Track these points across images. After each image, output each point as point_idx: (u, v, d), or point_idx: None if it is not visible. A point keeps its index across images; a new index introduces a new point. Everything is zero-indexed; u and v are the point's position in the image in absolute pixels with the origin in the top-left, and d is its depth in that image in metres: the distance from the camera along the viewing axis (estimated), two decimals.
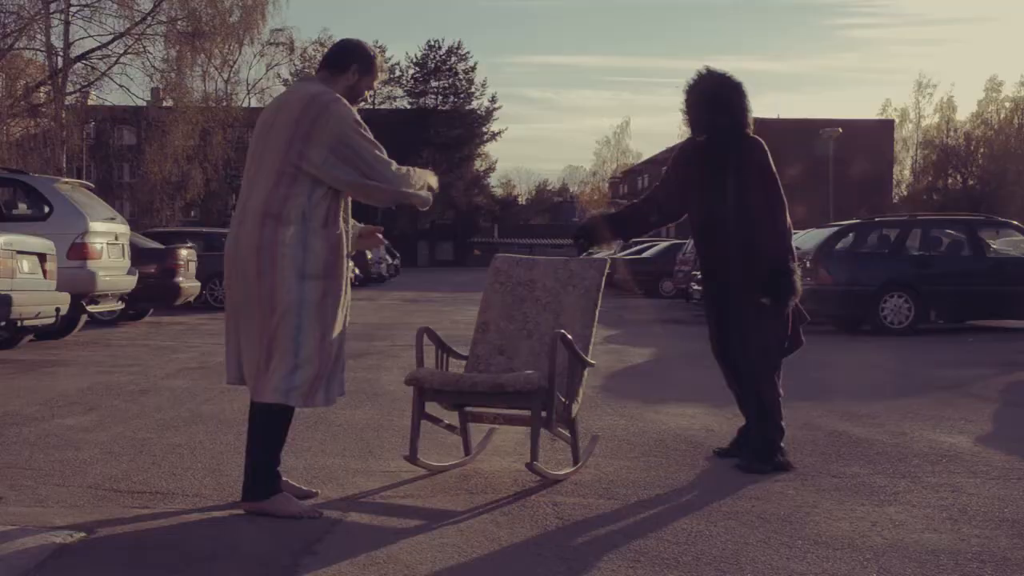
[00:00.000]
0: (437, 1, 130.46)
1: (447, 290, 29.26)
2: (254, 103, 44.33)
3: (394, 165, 4.07)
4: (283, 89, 4.31)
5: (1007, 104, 60.91)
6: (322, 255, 3.92)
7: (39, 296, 9.34)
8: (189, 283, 14.90)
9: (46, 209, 11.43)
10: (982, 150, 59.16)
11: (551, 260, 5.10)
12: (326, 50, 4.38)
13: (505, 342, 4.88)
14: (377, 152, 4.02)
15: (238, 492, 3.97)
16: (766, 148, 4.86)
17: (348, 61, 4.17)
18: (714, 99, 4.89)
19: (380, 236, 4.54)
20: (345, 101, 4.03)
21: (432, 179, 4.28)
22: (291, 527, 3.72)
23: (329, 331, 3.95)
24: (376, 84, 4.33)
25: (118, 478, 4.52)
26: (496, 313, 4.96)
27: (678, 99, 5.01)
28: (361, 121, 4.03)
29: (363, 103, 4.24)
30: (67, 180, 12.99)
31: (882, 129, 67.24)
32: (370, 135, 4.04)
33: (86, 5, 28.20)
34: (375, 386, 7.70)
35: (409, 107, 74.18)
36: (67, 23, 27.77)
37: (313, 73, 4.35)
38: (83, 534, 3.58)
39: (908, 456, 5.14)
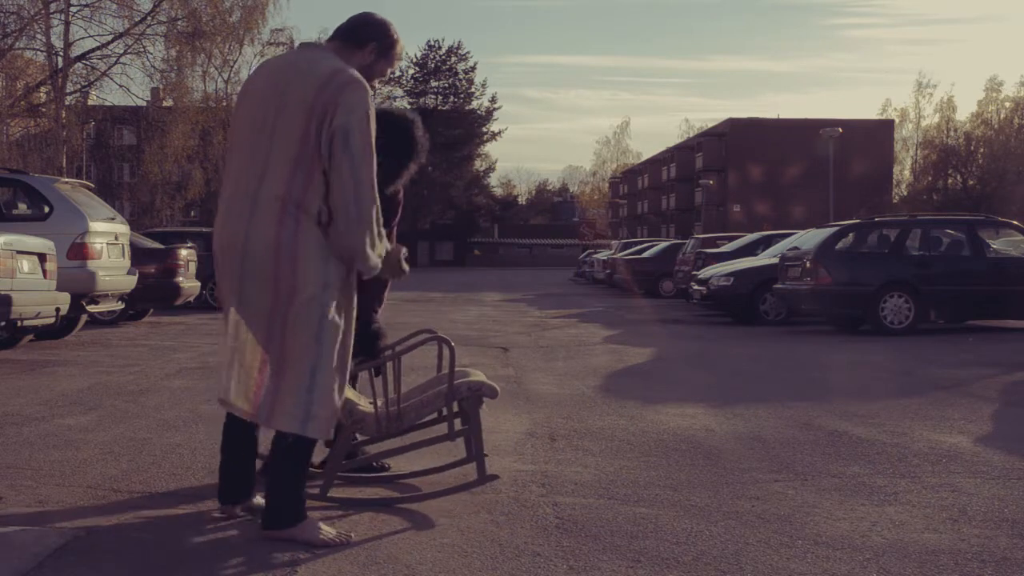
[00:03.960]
0: (437, 1, 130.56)
1: (447, 290, 29.26)
2: None
3: (373, 200, 3.46)
4: None
5: (1007, 104, 61.09)
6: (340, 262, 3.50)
7: (39, 296, 9.34)
8: (189, 283, 14.90)
9: (46, 209, 11.43)
10: (982, 150, 59.24)
11: None
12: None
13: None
14: (367, 169, 3.42)
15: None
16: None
17: (367, 37, 3.64)
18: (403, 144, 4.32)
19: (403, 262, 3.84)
20: (366, 84, 3.47)
21: (386, 252, 3.67)
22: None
23: (345, 349, 3.57)
24: (390, 72, 3.82)
25: (118, 478, 4.52)
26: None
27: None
28: (372, 118, 3.47)
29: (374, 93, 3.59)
30: (67, 180, 12.99)
31: (882, 129, 67.37)
32: (372, 142, 3.45)
33: (86, 5, 28.25)
34: None
35: (409, 107, 74.20)
36: (67, 23, 27.83)
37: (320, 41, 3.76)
38: (83, 534, 3.58)
39: (908, 456, 5.14)
